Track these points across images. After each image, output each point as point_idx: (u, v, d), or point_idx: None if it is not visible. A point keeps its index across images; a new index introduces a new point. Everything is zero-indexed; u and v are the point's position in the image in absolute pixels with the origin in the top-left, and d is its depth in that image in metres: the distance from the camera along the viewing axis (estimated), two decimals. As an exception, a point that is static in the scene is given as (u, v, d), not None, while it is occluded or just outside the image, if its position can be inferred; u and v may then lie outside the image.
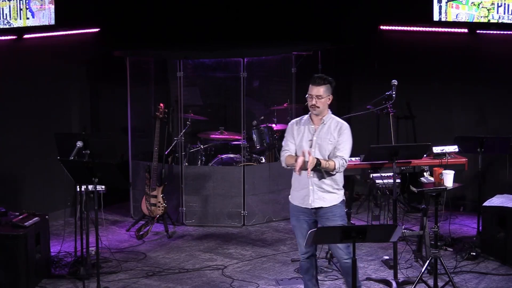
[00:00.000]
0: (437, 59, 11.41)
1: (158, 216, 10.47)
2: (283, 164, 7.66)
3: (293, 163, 7.45)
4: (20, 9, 10.31)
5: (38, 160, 10.71)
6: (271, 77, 11.64)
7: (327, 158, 7.50)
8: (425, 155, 9.11)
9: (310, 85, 7.52)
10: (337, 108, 11.96)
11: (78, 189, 9.13)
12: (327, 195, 7.54)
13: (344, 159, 7.50)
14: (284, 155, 7.64)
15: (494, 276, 8.96)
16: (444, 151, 9.19)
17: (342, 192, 7.66)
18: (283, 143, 7.75)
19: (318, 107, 7.50)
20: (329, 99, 7.56)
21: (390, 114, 10.88)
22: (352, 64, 12.15)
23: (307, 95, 7.56)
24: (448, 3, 11.00)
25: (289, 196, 7.73)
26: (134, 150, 11.25)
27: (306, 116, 7.69)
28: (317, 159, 7.37)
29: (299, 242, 7.71)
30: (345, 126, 7.60)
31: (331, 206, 7.55)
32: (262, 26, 12.27)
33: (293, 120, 7.78)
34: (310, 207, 7.55)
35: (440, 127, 11.40)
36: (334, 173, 7.51)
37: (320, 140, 7.53)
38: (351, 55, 11.99)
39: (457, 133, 10.44)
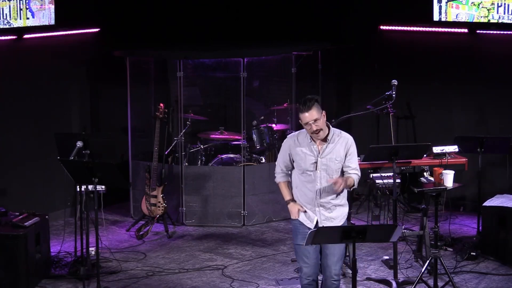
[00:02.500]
0: (437, 59, 11.41)
1: (158, 216, 10.47)
2: (276, 181, 7.43)
3: (283, 195, 7.33)
4: (20, 9, 10.31)
5: (38, 160, 10.71)
6: (271, 77, 11.64)
7: (333, 177, 7.12)
8: (425, 155, 9.11)
9: (301, 114, 6.99)
10: (337, 108, 12.09)
11: (78, 189, 9.13)
12: (334, 213, 7.22)
13: (358, 174, 7.21)
14: (278, 177, 7.37)
15: (494, 276, 8.96)
16: (444, 151, 9.18)
17: (347, 206, 7.37)
18: (278, 156, 7.40)
19: (321, 129, 7.07)
20: (324, 115, 7.06)
21: (390, 114, 10.89)
22: (352, 64, 12.15)
23: (303, 125, 7.07)
24: (448, 3, 11.00)
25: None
26: (134, 150, 11.25)
27: (304, 132, 7.19)
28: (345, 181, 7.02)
29: (304, 262, 7.28)
30: (350, 140, 7.22)
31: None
32: (262, 26, 12.27)
33: (291, 136, 7.30)
34: (314, 228, 7.14)
35: (440, 127, 11.40)
36: (349, 189, 7.22)
37: (326, 161, 7.12)
38: (351, 55, 11.99)
39: (457, 133, 10.44)
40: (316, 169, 7.13)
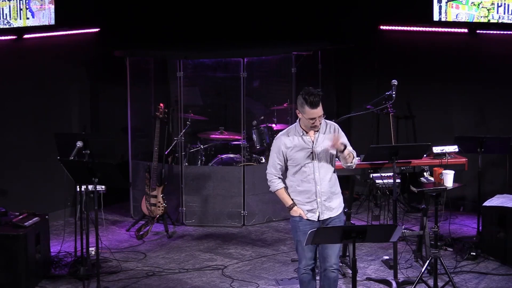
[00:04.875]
0: (437, 59, 11.41)
1: (158, 216, 10.47)
2: (272, 190, 7.44)
3: (284, 202, 7.37)
4: (20, 9, 10.31)
5: (38, 160, 10.71)
6: (271, 77, 11.65)
7: (331, 165, 7.34)
8: (425, 155, 9.11)
9: (309, 109, 7.09)
10: (337, 108, 12.09)
11: (78, 189, 9.13)
12: (332, 203, 7.36)
13: (355, 153, 7.35)
14: (273, 185, 7.39)
15: (494, 276, 8.97)
16: (444, 151, 9.18)
17: (341, 196, 7.49)
18: (269, 161, 7.42)
19: (320, 124, 7.25)
20: None
21: (390, 114, 10.88)
22: (352, 64, 12.15)
23: (306, 118, 7.16)
24: (448, 3, 11.00)
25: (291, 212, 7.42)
26: (134, 150, 11.25)
27: (293, 126, 7.36)
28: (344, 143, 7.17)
29: (303, 256, 7.40)
30: (336, 125, 7.39)
31: (338, 215, 7.40)
32: (262, 26, 12.27)
33: (281, 134, 7.40)
34: (317, 220, 7.32)
35: (440, 127, 11.40)
36: (351, 164, 7.28)
37: (321, 149, 7.26)
38: (351, 55, 11.99)
39: (457, 133, 10.44)
40: (312, 159, 7.26)
